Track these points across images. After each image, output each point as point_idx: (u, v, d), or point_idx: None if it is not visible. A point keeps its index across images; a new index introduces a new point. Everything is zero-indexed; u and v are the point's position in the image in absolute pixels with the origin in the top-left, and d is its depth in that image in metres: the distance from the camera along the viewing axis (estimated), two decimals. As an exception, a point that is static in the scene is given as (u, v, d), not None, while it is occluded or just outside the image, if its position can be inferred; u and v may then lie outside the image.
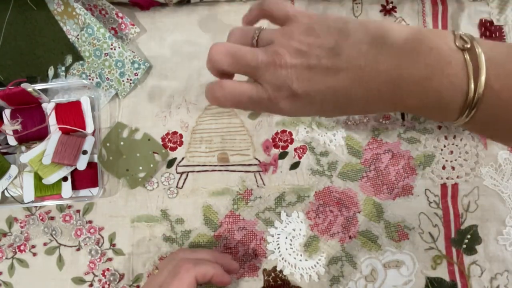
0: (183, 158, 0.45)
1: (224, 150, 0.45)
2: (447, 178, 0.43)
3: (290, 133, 0.45)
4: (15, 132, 0.44)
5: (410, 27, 0.29)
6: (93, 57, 0.46)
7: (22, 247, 0.44)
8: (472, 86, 0.26)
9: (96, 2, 0.46)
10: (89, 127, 0.45)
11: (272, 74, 0.30)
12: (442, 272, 0.42)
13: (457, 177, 0.43)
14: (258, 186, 0.44)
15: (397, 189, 0.43)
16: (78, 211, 0.45)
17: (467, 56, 0.26)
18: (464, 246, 0.42)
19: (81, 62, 0.47)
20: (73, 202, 0.45)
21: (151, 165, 0.45)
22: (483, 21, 0.46)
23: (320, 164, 0.44)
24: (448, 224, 0.42)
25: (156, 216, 0.44)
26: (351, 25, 0.30)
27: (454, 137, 0.44)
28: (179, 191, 0.45)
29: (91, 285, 0.44)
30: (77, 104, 0.45)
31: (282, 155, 0.44)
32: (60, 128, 0.44)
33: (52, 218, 0.45)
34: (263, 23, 0.35)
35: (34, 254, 0.44)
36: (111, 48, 0.45)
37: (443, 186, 0.43)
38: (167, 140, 0.46)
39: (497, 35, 0.45)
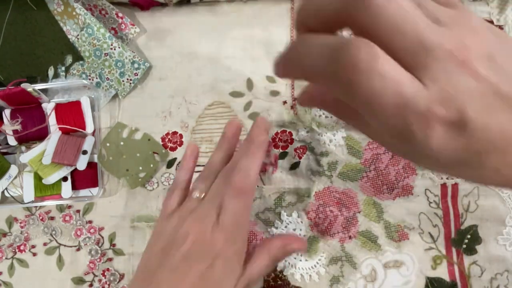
0: (183, 158, 0.45)
1: (224, 150, 0.45)
2: (447, 178, 0.43)
3: (290, 133, 0.45)
4: (15, 132, 0.44)
5: None
6: (93, 57, 0.46)
7: (22, 247, 0.44)
8: None
9: (96, 2, 0.46)
10: (89, 127, 0.45)
11: (450, 73, 0.17)
12: (442, 272, 0.42)
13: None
14: (258, 186, 0.44)
15: (397, 189, 0.43)
16: (78, 211, 0.45)
17: None
18: (464, 246, 0.42)
19: (81, 62, 0.47)
20: (73, 202, 0.45)
21: (151, 165, 0.45)
22: (483, 21, 0.46)
23: (320, 164, 0.44)
24: (448, 224, 0.42)
25: (156, 216, 0.44)
26: None
27: (454, 137, 0.44)
28: (179, 191, 0.45)
29: (91, 285, 0.44)
30: (77, 104, 0.45)
31: (282, 155, 0.44)
32: (60, 128, 0.44)
33: (52, 218, 0.45)
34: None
35: (34, 254, 0.44)
36: (111, 48, 0.45)
37: (443, 186, 0.43)
38: (167, 140, 0.46)
39: (497, 35, 0.45)
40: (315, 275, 0.42)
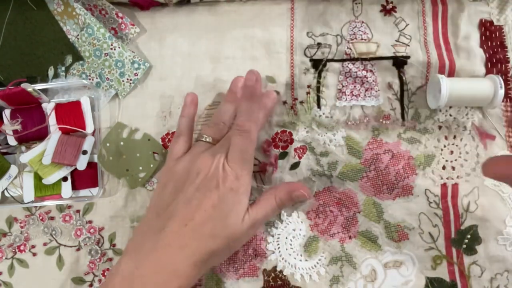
0: (183, 158, 0.45)
1: (224, 150, 0.45)
2: (447, 178, 0.43)
3: (290, 133, 0.45)
4: (15, 132, 0.44)
5: None
6: (93, 57, 0.46)
7: (22, 247, 0.44)
8: None
9: (96, 2, 0.46)
10: (89, 127, 0.45)
11: None
12: (442, 272, 0.42)
13: (457, 177, 0.43)
14: (258, 186, 0.44)
15: (397, 189, 0.43)
16: (78, 211, 0.45)
17: None
18: (464, 246, 0.42)
19: (81, 62, 0.47)
20: (73, 202, 0.45)
21: (151, 165, 0.45)
22: (483, 21, 0.46)
23: (320, 164, 0.44)
24: (448, 224, 0.42)
25: (156, 216, 0.44)
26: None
27: (454, 137, 0.44)
28: (179, 191, 0.44)
29: (91, 285, 0.44)
30: (77, 104, 0.45)
31: (282, 155, 0.44)
32: (60, 128, 0.44)
33: (52, 218, 0.45)
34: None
35: (34, 254, 0.44)
36: (111, 48, 0.45)
37: (443, 186, 0.43)
38: (167, 140, 0.46)
39: (497, 35, 0.45)
40: (315, 275, 0.42)
